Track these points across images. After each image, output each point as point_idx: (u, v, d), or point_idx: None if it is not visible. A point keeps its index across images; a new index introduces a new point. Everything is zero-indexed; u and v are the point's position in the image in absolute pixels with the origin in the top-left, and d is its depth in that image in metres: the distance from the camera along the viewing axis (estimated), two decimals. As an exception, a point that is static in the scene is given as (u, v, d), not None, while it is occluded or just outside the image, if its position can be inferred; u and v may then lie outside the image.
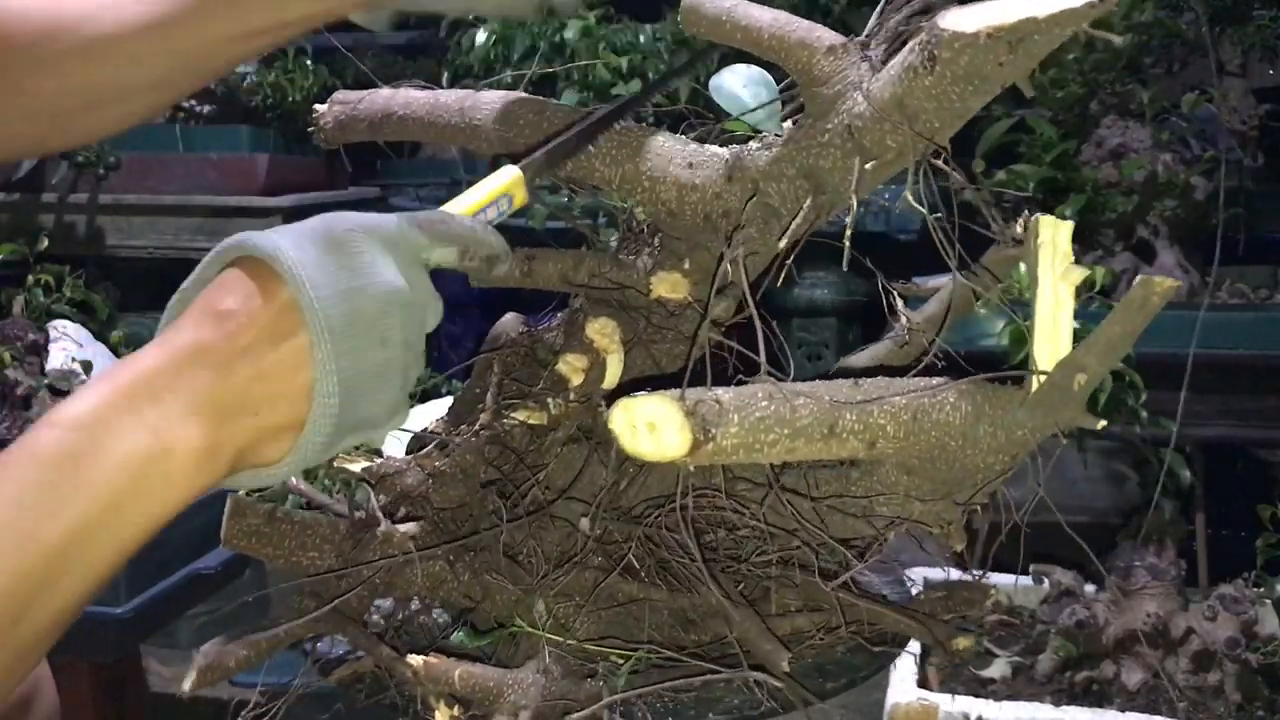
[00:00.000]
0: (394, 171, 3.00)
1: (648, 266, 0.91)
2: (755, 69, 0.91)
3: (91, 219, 2.47)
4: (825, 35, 0.77)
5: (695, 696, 0.87)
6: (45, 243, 1.88)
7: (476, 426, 0.94)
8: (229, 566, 1.74)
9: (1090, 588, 1.68)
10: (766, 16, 0.77)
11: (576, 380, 0.91)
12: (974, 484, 0.79)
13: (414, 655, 0.84)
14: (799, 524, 0.85)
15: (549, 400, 0.94)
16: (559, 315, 1.04)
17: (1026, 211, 0.87)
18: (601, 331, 0.88)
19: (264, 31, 0.78)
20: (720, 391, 0.70)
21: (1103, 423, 0.74)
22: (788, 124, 0.85)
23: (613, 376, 0.89)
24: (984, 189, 2.24)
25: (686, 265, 0.88)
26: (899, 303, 0.95)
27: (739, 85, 0.90)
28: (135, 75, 0.78)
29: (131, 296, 2.57)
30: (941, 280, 1.02)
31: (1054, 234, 0.71)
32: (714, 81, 0.91)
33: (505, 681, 0.83)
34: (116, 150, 2.42)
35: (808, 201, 0.80)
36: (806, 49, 0.77)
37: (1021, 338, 1.52)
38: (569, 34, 2.27)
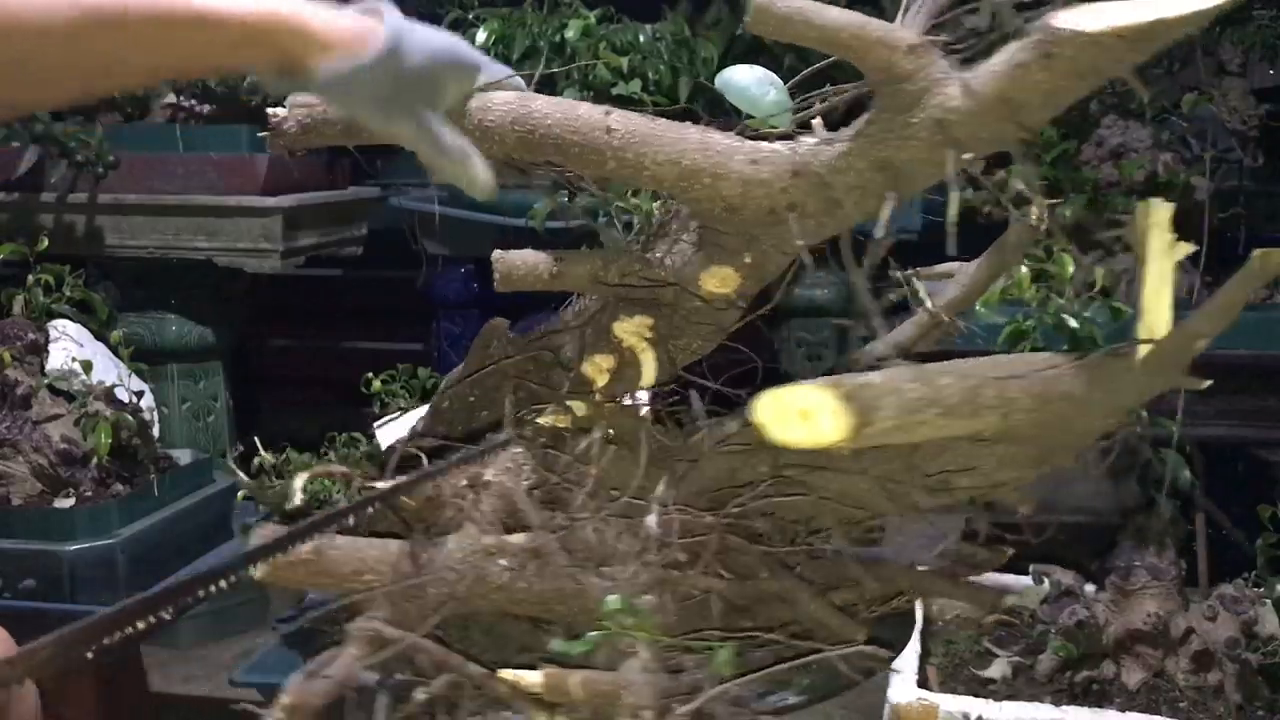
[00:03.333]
0: (395, 171, 3.00)
1: (681, 264, 0.91)
2: (760, 69, 0.92)
3: (91, 219, 2.47)
4: (904, 34, 0.80)
5: (769, 679, 0.90)
6: (45, 243, 1.88)
7: (502, 437, 0.94)
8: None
9: (1090, 588, 1.68)
10: (843, 16, 0.79)
11: (602, 381, 0.91)
12: (1075, 447, 0.88)
13: (519, 671, 0.84)
14: (848, 504, 0.90)
15: (572, 403, 0.94)
16: (554, 317, 1.04)
17: (1136, 199, 0.97)
18: (636, 330, 0.89)
19: (163, 69, 0.85)
20: (873, 376, 0.77)
21: (1208, 382, 0.85)
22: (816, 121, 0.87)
23: (649, 374, 0.90)
24: (986, 188, 2.24)
25: (747, 259, 0.90)
26: (921, 290, 0.99)
27: (750, 82, 0.92)
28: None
29: (131, 296, 2.57)
30: (948, 268, 1.05)
31: (1159, 216, 0.84)
32: (722, 77, 0.92)
33: (619, 684, 0.84)
34: (116, 150, 2.42)
35: (888, 192, 0.85)
36: (887, 47, 0.79)
37: (1021, 335, 1.52)
38: (569, 34, 2.27)
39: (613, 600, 0.88)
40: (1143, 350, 0.82)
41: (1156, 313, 0.82)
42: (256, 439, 1.31)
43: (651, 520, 0.90)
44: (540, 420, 0.94)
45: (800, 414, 0.72)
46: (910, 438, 0.78)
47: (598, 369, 0.92)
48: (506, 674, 0.84)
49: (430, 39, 0.84)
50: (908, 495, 0.90)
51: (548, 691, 0.84)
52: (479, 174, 0.86)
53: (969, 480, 0.88)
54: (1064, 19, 0.72)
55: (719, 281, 0.90)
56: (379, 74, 0.81)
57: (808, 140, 0.87)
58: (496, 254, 0.95)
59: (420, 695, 0.85)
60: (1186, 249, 0.81)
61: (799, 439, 0.72)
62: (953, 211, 0.78)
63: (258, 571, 0.86)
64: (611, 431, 0.94)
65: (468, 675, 0.87)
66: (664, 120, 0.88)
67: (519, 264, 0.94)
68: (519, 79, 0.90)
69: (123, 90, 0.83)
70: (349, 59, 0.79)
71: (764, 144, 0.88)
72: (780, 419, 0.73)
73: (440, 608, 0.89)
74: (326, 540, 0.89)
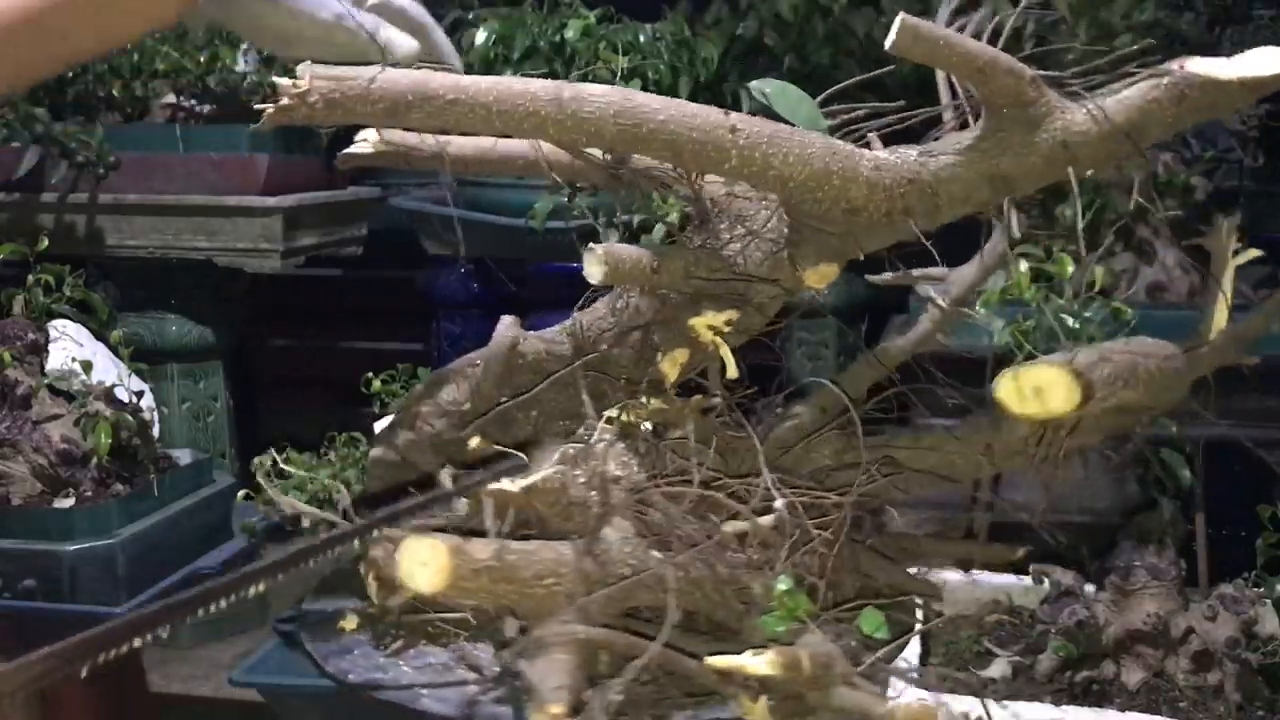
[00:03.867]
0: (395, 171, 3.00)
1: (762, 259, 0.99)
2: (793, 87, 1.02)
3: (91, 219, 2.47)
4: (1025, 68, 0.91)
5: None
6: (45, 243, 1.88)
7: (614, 429, 0.96)
8: (229, 566, 1.74)
9: (1090, 588, 1.68)
10: (978, 46, 0.89)
11: (674, 376, 0.95)
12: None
13: (728, 657, 0.85)
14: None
15: (645, 399, 0.97)
16: (561, 317, 1.05)
17: (1222, 218, 1.16)
18: (716, 324, 0.93)
19: (81, 53, 0.96)
20: (1090, 352, 0.93)
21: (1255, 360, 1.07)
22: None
23: (732, 368, 0.95)
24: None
25: (861, 256, 1.01)
26: (929, 290, 1.07)
27: (793, 97, 1.02)
28: None
29: (131, 296, 2.57)
30: (935, 272, 1.13)
31: (1229, 227, 1.07)
32: (768, 88, 0.97)
33: (831, 655, 0.87)
34: (116, 150, 2.42)
35: (1004, 201, 1.03)
36: (1015, 76, 0.90)
37: (1023, 336, 1.52)
38: (569, 34, 2.27)
39: (783, 581, 0.92)
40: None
41: (1221, 314, 1.02)
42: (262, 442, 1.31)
43: (781, 505, 0.95)
44: (621, 417, 0.97)
45: (1034, 390, 0.83)
46: (1103, 406, 0.91)
47: (674, 364, 0.96)
48: (717, 661, 0.84)
49: None
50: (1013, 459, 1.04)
51: (782, 669, 0.84)
52: (394, 38, 0.90)
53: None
54: (1197, 65, 0.86)
55: (820, 277, 1.01)
56: None
57: (908, 151, 0.97)
58: (601, 246, 0.96)
59: (615, 693, 0.85)
60: (1253, 254, 1.03)
61: (1031, 413, 0.84)
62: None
63: (425, 585, 0.85)
64: (694, 425, 0.98)
65: (680, 667, 0.88)
66: (781, 123, 0.94)
67: (625, 257, 0.96)
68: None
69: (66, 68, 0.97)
70: None
71: (879, 152, 0.97)
72: (1017, 395, 0.84)
73: (624, 604, 0.91)
74: (502, 547, 0.89)
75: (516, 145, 1.12)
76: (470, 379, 1.07)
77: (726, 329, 0.97)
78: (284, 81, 0.85)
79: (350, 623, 0.98)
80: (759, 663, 0.83)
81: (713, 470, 0.98)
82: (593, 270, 0.93)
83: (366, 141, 1.04)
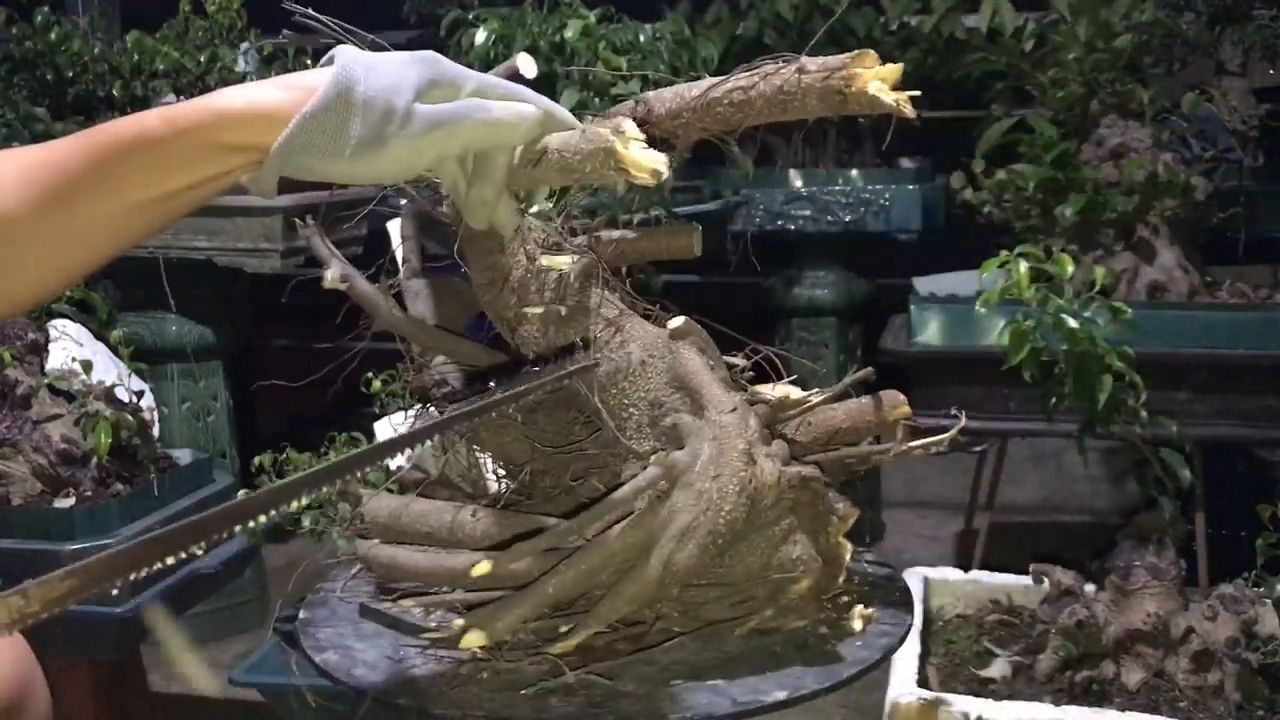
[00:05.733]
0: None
1: None
2: None
3: (91, 219, 2.47)
4: None
5: None
6: (45, 242, 1.87)
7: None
8: (229, 566, 1.75)
9: (1090, 587, 1.68)
10: None
11: None
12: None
13: None
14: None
15: None
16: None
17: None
18: None
19: (146, 205, 0.77)
20: None
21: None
22: None
23: None
24: (986, 187, 2.25)
25: None
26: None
27: None
28: (16, 256, 0.77)
29: (131, 296, 2.57)
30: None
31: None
32: None
33: None
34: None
35: None
36: None
37: (1022, 337, 1.52)
38: (569, 34, 2.27)
39: None
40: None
41: None
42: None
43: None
44: None
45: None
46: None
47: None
48: None
49: (387, 65, 0.78)
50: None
51: None
52: (503, 219, 0.89)
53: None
54: None
55: None
56: (332, 118, 0.76)
57: None
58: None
59: None
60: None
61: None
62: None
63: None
64: None
65: None
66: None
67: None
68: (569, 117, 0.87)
69: (126, 250, 0.80)
70: (298, 120, 0.75)
71: None
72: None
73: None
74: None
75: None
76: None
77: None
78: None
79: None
80: None
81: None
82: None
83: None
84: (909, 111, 0.82)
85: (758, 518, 0.92)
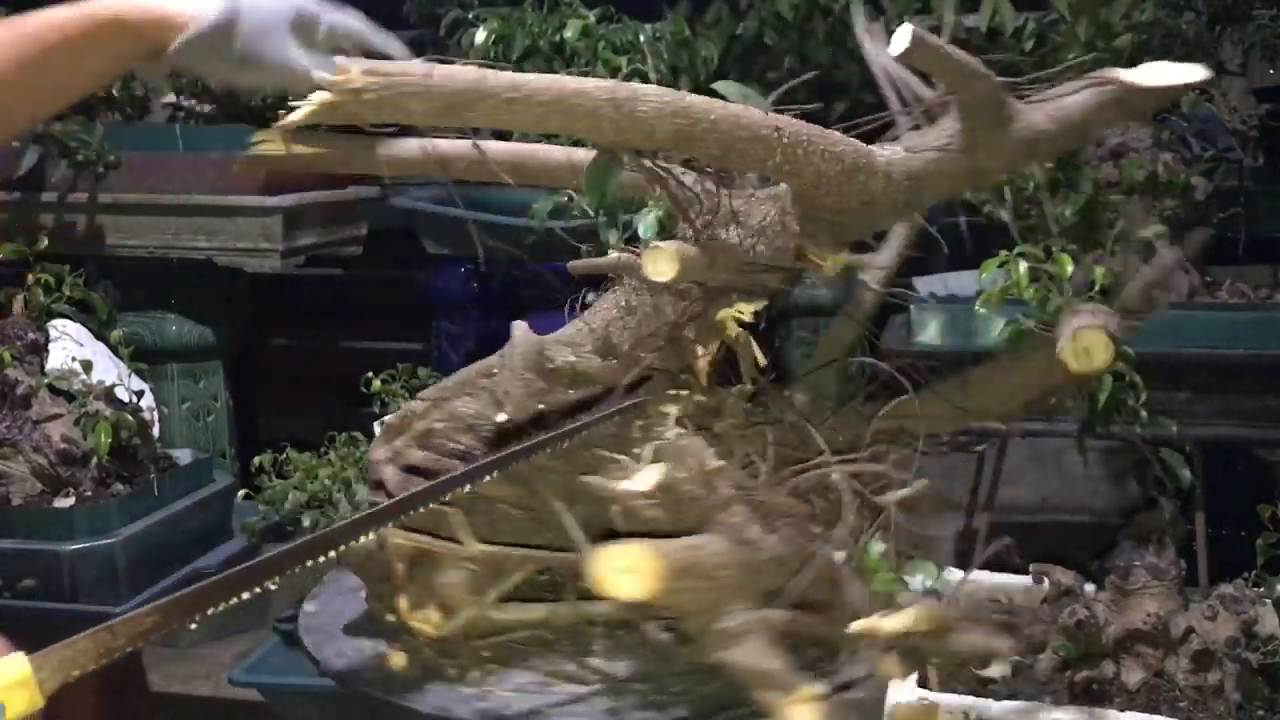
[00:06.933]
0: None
1: (773, 252, 1.06)
2: (740, 85, 1.06)
3: (91, 218, 2.47)
4: (995, 76, 1.00)
5: None
6: (45, 242, 1.88)
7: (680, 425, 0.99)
8: (229, 565, 1.74)
9: (1090, 587, 1.68)
10: (965, 56, 0.97)
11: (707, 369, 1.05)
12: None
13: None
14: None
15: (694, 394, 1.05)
16: (560, 316, 1.05)
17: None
18: (746, 314, 1.04)
19: (96, 75, 1.14)
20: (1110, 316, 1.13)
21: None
22: None
23: (760, 357, 1.07)
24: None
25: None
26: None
27: (735, 94, 1.03)
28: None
29: (131, 296, 2.57)
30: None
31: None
32: (724, 89, 1.00)
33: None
34: (116, 150, 2.42)
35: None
36: (990, 84, 0.99)
37: (1022, 337, 1.52)
38: (569, 34, 2.27)
39: (875, 548, 1.00)
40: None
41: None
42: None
43: (839, 477, 1.01)
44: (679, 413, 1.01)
45: (1085, 350, 1.08)
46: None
47: (708, 357, 1.01)
48: (858, 625, 0.91)
49: (266, 3, 1.07)
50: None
51: (928, 623, 0.93)
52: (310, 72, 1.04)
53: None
54: (1129, 74, 1.01)
55: (836, 264, 1.08)
56: (219, 36, 1.05)
57: (894, 148, 1.03)
58: (668, 244, 0.99)
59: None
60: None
61: (1084, 369, 1.10)
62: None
63: (635, 591, 0.87)
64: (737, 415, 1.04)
65: (814, 633, 0.96)
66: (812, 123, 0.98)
67: (689, 254, 1.00)
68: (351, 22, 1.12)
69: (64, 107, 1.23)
70: (194, 30, 1.04)
71: (883, 149, 1.02)
72: (1073, 355, 1.08)
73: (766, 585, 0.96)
74: (686, 546, 0.90)
75: (555, 153, 1.20)
76: (488, 390, 1.05)
77: (749, 319, 1.02)
78: (331, 77, 0.80)
79: (399, 660, 0.96)
80: (895, 622, 0.92)
81: (755, 454, 1.02)
82: (661, 268, 0.96)
83: (270, 141, 1.11)
84: None
85: None
